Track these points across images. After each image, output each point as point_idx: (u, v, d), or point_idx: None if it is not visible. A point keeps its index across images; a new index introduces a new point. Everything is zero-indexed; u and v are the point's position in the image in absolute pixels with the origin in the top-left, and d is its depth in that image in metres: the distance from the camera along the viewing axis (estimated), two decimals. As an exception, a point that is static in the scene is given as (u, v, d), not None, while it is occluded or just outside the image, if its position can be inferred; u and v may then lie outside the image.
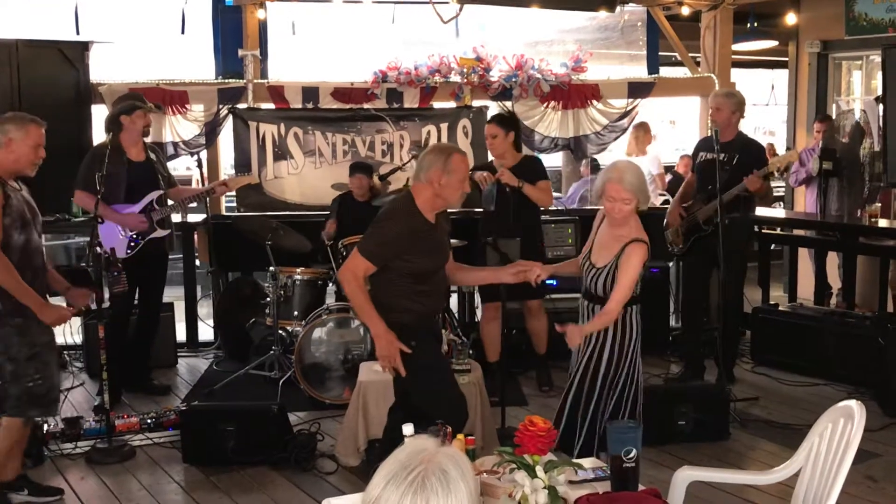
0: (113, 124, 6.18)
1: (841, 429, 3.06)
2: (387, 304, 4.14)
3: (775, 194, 11.73)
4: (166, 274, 6.72)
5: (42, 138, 4.60)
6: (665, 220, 6.66)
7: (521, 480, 2.66)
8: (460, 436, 3.02)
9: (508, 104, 8.02)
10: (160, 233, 6.30)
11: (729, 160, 6.11)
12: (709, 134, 6.52)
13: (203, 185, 6.76)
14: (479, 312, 7.84)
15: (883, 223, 7.55)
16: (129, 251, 6.16)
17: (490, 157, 7.48)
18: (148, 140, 7.41)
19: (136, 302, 6.45)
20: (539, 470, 2.68)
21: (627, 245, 4.02)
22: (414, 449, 1.73)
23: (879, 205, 7.78)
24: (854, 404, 3.08)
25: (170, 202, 6.42)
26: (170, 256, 6.66)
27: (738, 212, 6.13)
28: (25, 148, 4.52)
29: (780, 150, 13.64)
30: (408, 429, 2.90)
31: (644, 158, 9.67)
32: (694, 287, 6.74)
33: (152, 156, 6.39)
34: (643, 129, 9.83)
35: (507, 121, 6.41)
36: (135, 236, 6.19)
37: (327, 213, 7.21)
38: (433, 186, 4.10)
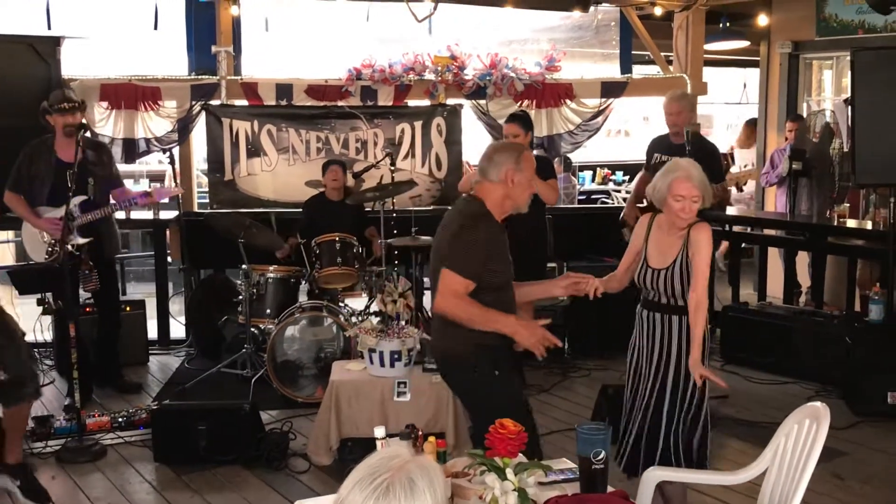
0: (45, 125, 5.95)
1: (807, 429, 3.11)
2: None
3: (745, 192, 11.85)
4: (115, 274, 6.64)
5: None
6: (621, 217, 6.74)
7: (492, 483, 2.68)
8: (432, 438, 3.04)
9: (482, 102, 8.05)
10: (80, 240, 5.80)
11: None
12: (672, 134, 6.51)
13: (175, 181, 6.67)
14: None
15: (851, 223, 7.65)
16: (46, 257, 5.97)
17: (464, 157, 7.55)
18: (120, 136, 7.41)
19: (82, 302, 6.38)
20: (509, 472, 2.70)
21: (691, 228, 3.89)
22: (387, 455, 1.74)
23: (848, 205, 7.88)
24: (820, 405, 3.13)
25: (112, 202, 6.14)
26: (140, 254, 6.61)
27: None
28: None
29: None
30: (379, 431, 2.91)
31: (749, 151, 10.13)
32: None
33: (90, 155, 6.06)
34: (753, 124, 10.30)
35: (527, 121, 6.40)
36: (52, 242, 5.92)
37: (300, 210, 7.21)
38: (506, 186, 3.76)
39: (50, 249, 5.97)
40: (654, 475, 3.38)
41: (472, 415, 4.01)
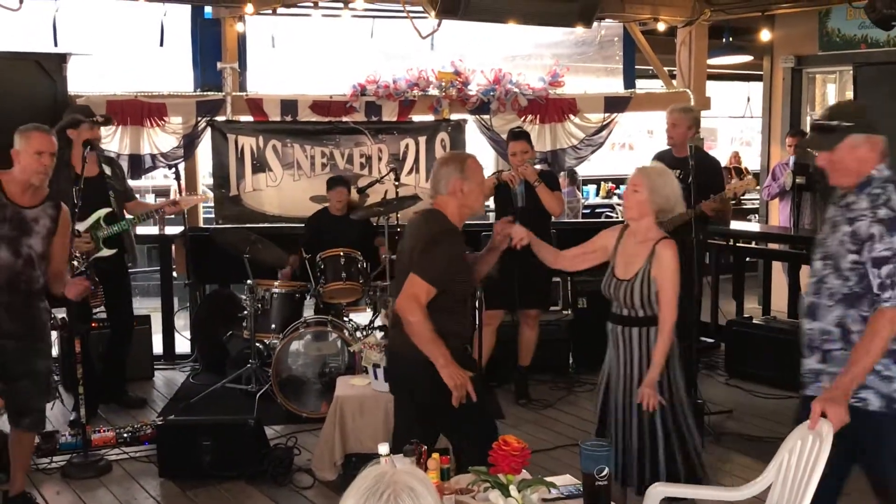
0: (60, 139, 6.05)
1: (810, 445, 3.12)
2: (440, 330, 3.84)
3: (750, 206, 11.85)
4: (129, 288, 6.67)
5: (45, 145, 4.51)
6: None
7: (495, 499, 2.70)
8: (435, 455, 3.05)
9: (486, 118, 8.09)
10: (106, 252, 6.05)
11: (684, 177, 6.14)
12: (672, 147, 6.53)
13: (181, 195, 6.71)
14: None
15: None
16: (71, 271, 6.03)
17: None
18: (126, 152, 7.45)
19: (94, 316, 6.41)
20: (513, 489, 2.71)
21: (657, 244, 3.97)
22: (377, 474, 1.83)
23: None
24: (823, 422, 3.13)
25: (128, 217, 6.26)
26: (145, 269, 6.64)
27: (690, 232, 6.06)
28: (27, 157, 4.48)
29: (752, 159, 13.78)
30: (383, 448, 2.92)
31: None
32: None
33: (106, 170, 6.23)
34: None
35: (530, 138, 6.60)
36: (78, 255, 5.93)
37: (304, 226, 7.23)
38: (456, 197, 3.95)
39: (76, 262, 6.03)
40: (659, 491, 3.38)
41: (435, 417, 3.98)
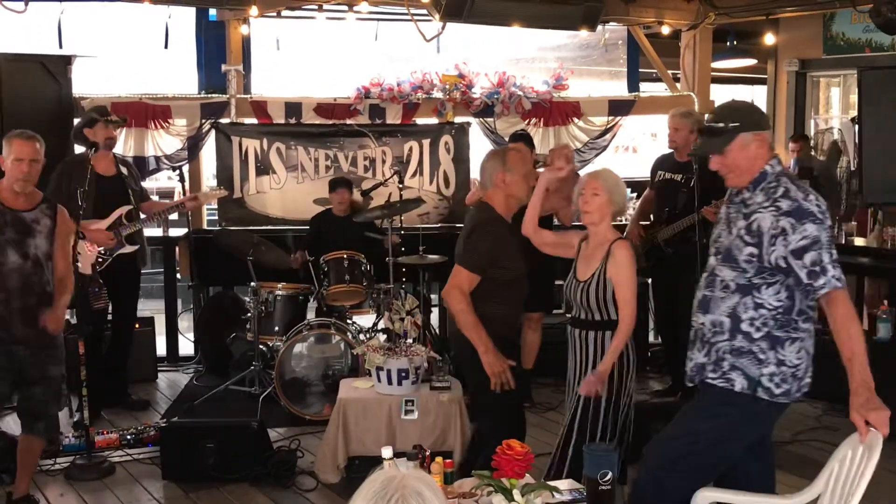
0: (77, 138, 6.15)
1: (860, 456, 3.09)
2: (485, 315, 4.17)
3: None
4: (139, 289, 6.70)
5: (24, 152, 4.54)
6: (625, 234, 6.76)
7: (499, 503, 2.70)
8: (439, 458, 3.05)
9: (490, 120, 8.09)
10: (128, 249, 6.24)
11: (686, 181, 6.14)
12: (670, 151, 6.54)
13: (200, 191, 6.75)
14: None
15: (859, 241, 7.63)
16: (96, 267, 6.08)
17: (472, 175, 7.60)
18: (130, 154, 7.46)
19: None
20: (516, 493, 2.71)
21: (612, 244, 4.01)
22: (386, 478, 1.84)
23: (856, 223, 7.87)
24: (874, 434, 3.09)
25: (142, 216, 6.37)
26: (149, 270, 6.66)
27: (693, 237, 6.07)
28: (8, 163, 4.53)
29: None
30: (386, 452, 2.92)
31: None
32: (663, 304, 6.79)
33: (123, 170, 6.33)
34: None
35: (532, 141, 6.62)
36: (102, 251, 6.12)
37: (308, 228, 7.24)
38: (501, 188, 4.24)
39: (100, 259, 6.12)
40: (706, 495, 3.32)
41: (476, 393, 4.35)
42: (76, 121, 7.32)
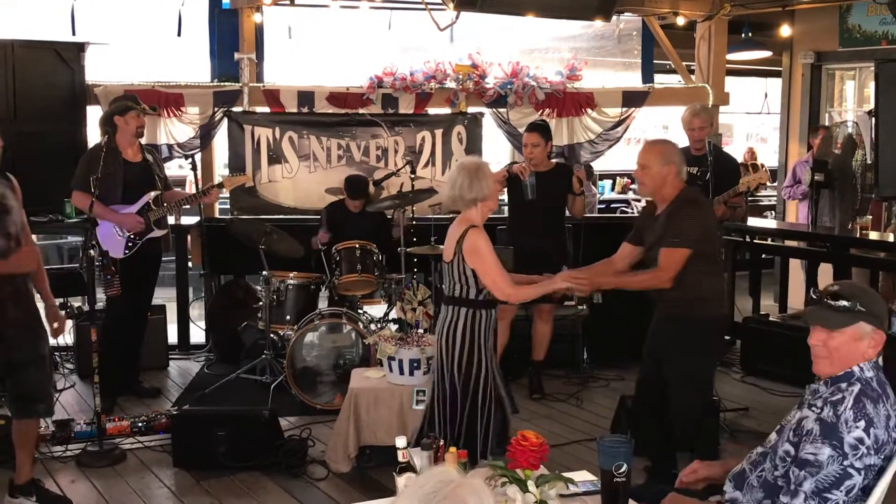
0: (107, 124, 6.18)
1: None
2: (710, 297, 4.43)
3: (766, 203, 11.78)
4: (158, 274, 6.72)
5: None
6: None
7: (513, 495, 2.68)
8: (452, 449, 3.03)
9: (503, 111, 8.06)
10: (157, 233, 6.30)
11: (702, 175, 6.12)
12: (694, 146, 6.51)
13: (197, 187, 6.74)
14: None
15: (874, 235, 7.59)
16: (126, 251, 6.16)
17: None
18: (143, 141, 7.45)
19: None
20: (531, 484, 2.69)
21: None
22: (440, 479, 1.72)
23: (871, 217, 7.81)
24: None
25: (165, 204, 6.42)
26: (162, 258, 6.67)
27: None
28: None
29: (769, 155, 13.68)
30: (401, 441, 2.91)
31: None
32: None
33: (149, 157, 6.38)
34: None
35: (547, 131, 6.54)
36: (132, 236, 6.18)
37: (320, 217, 7.22)
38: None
39: (130, 244, 6.18)
40: None
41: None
42: (92, 108, 7.37)
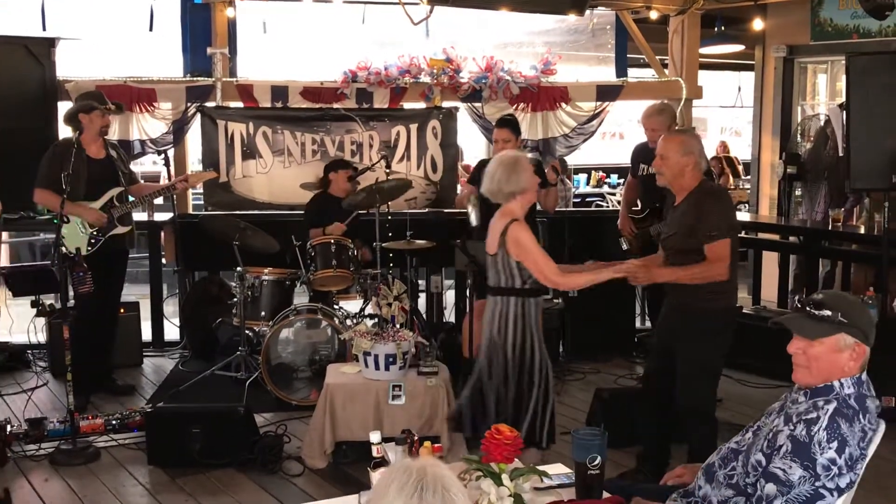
0: (72, 121, 6.14)
1: None
2: (724, 288, 4.43)
3: (739, 199, 11.83)
4: (125, 271, 6.67)
5: None
6: (618, 224, 6.85)
7: (487, 488, 2.69)
8: (427, 443, 3.04)
9: (478, 105, 8.06)
10: (121, 229, 6.27)
11: None
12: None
13: (190, 172, 6.72)
14: (447, 311, 7.91)
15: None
16: (89, 248, 6.12)
17: (463, 160, 7.55)
18: (115, 138, 7.39)
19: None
20: (505, 478, 2.70)
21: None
22: (409, 464, 1.87)
23: (842, 210, 7.89)
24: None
25: (131, 199, 6.37)
26: (134, 255, 6.64)
27: None
28: None
29: (742, 149, 13.77)
30: (375, 436, 2.91)
31: None
32: (652, 292, 6.81)
33: (112, 153, 6.36)
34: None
35: (518, 126, 6.50)
36: (95, 233, 6.15)
37: (295, 212, 7.18)
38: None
39: (93, 240, 6.15)
40: None
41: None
42: (63, 104, 7.29)
